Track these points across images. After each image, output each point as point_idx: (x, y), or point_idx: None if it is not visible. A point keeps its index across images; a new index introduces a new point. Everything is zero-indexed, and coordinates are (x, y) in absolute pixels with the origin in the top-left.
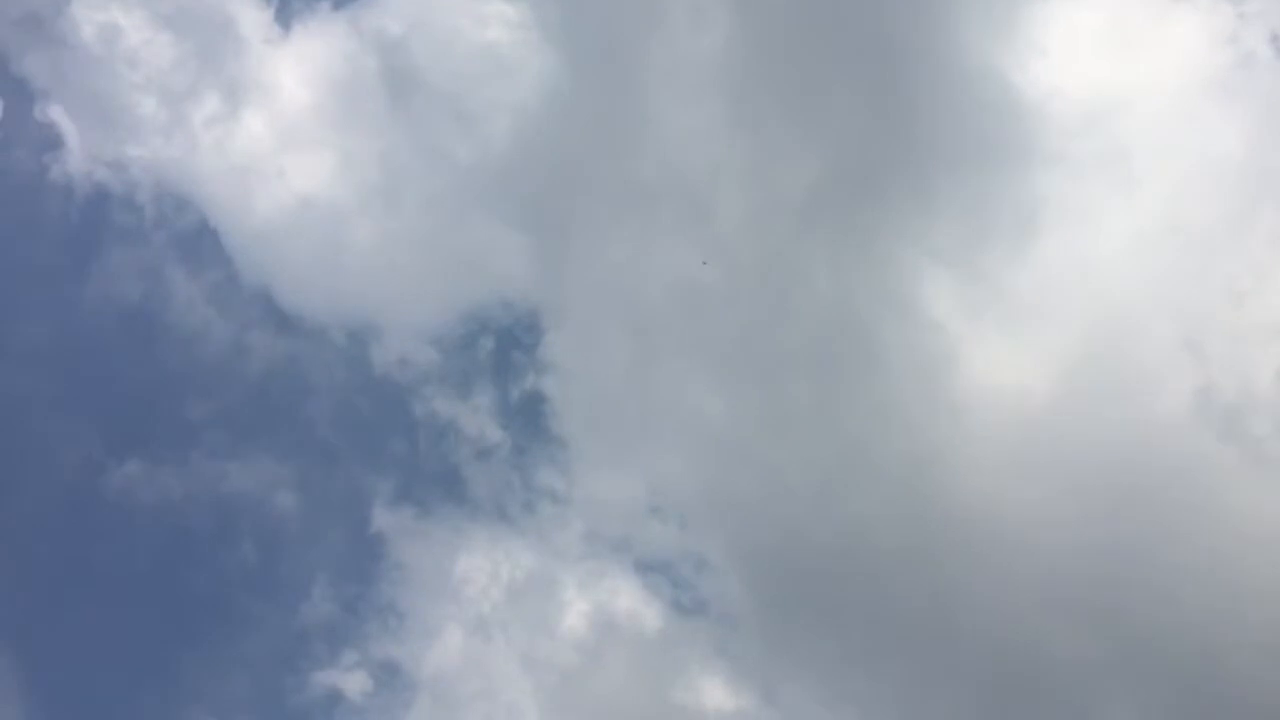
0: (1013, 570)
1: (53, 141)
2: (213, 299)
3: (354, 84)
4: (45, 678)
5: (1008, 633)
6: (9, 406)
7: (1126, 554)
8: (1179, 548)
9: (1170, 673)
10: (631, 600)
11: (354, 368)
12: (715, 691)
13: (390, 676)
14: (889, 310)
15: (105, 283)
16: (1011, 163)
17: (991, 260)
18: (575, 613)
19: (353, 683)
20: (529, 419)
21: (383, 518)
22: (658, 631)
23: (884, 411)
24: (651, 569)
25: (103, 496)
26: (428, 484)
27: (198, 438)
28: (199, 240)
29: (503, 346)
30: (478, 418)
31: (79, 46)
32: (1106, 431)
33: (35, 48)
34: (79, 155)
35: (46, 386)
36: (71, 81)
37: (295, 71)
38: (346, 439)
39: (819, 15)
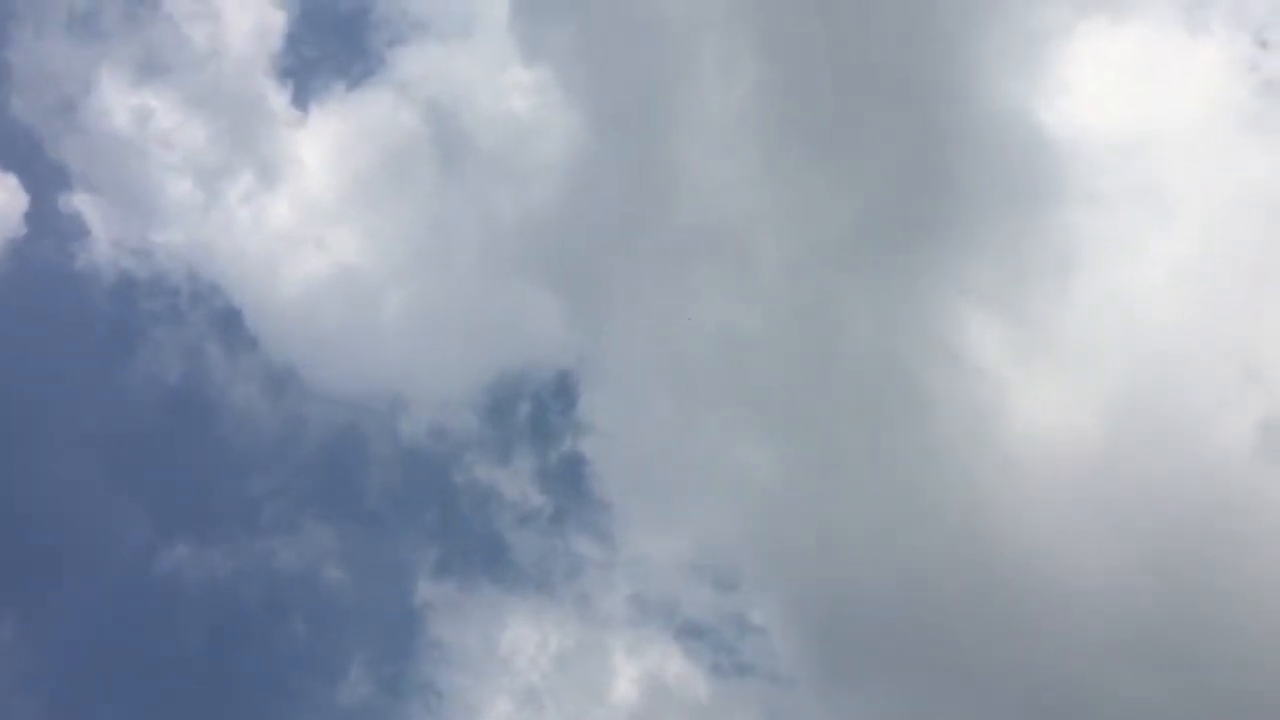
0: (1075, 615)
1: (79, 230)
2: (240, 379)
3: (376, 158)
4: None
5: (1073, 679)
6: (52, 499)
7: (1191, 594)
8: (1244, 585)
9: (1241, 714)
10: (682, 664)
11: (390, 439)
12: None
13: None
14: (933, 355)
15: (133, 369)
16: (1046, 201)
17: (1033, 301)
18: (625, 679)
19: None
20: (570, 482)
21: (427, 590)
22: (711, 695)
23: (934, 458)
24: (701, 630)
25: (154, 579)
26: (470, 554)
27: (241, 517)
28: (224, 322)
29: (540, 409)
30: (519, 483)
31: (106, 130)
32: (1163, 470)
33: (61, 133)
34: (104, 243)
35: (88, 474)
36: (98, 166)
37: (315, 149)
38: (388, 512)
39: (847, 61)
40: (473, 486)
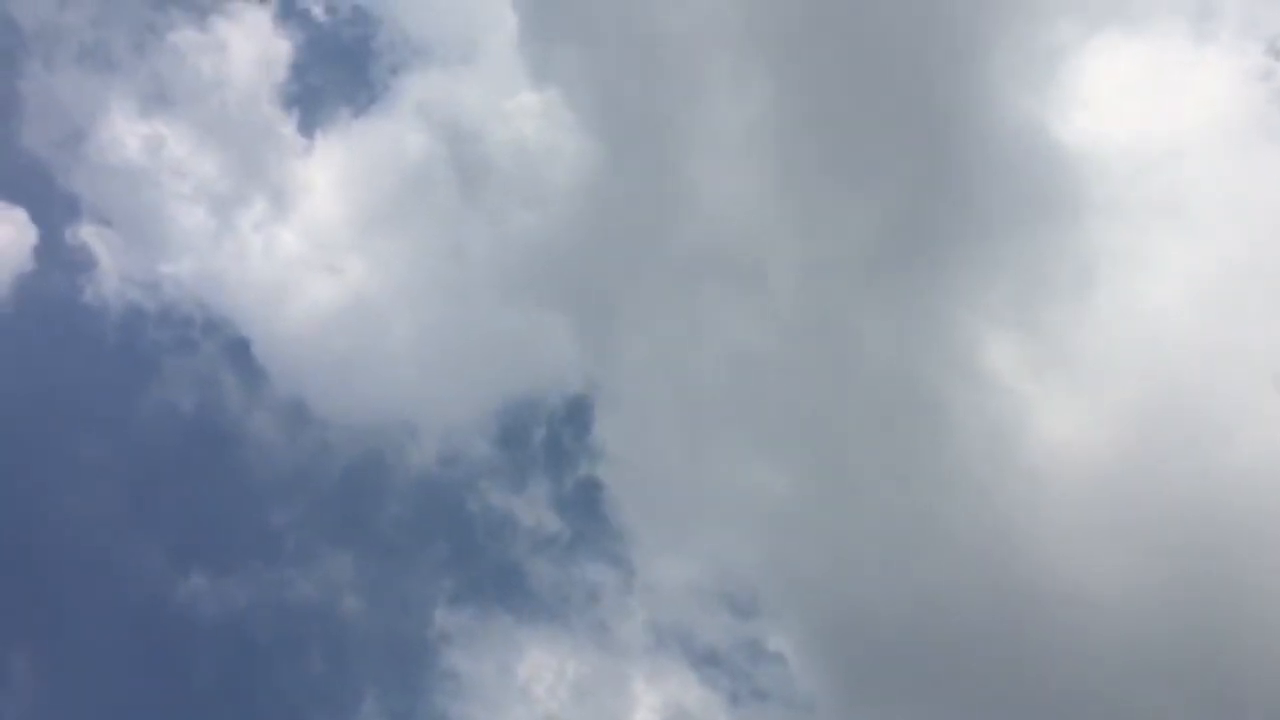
0: (1097, 633)
1: (87, 262)
2: (249, 410)
3: (383, 185)
4: None
5: (1096, 697)
6: (62, 532)
7: (1217, 613)
8: (1269, 601)
9: None
10: (701, 691)
11: (403, 467)
12: None
13: None
14: (951, 373)
15: (142, 402)
16: (1063, 216)
17: (1052, 317)
18: (645, 707)
19: None
20: (586, 508)
21: (444, 620)
22: (735, 719)
23: (954, 478)
24: (720, 656)
25: (168, 611)
26: (487, 582)
27: (254, 548)
28: (233, 352)
29: (554, 435)
30: (534, 510)
31: (116, 160)
32: (1186, 485)
33: (71, 164)
34: (113, 275)
35: (97, 508)
36: (108, 196)
37: (322, 177)
38: (403, 541)
39: (859, 78)
40: (488, 514)
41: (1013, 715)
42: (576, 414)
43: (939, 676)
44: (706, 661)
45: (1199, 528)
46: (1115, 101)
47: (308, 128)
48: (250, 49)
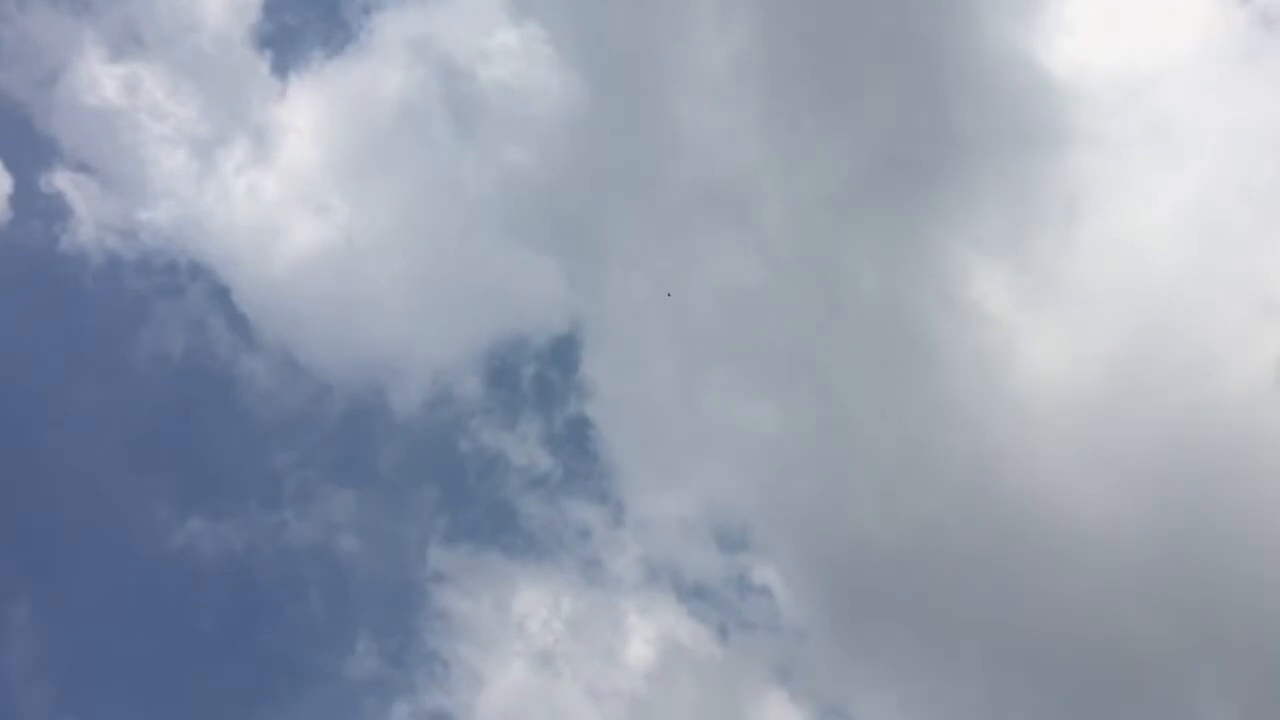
0: (1088, 562)
1: (62, 211)
2: (231, 356)
3: (360, 126)
4: None
5: (1088, 627)
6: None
7: (1201, 539)
8: (1258, 527)
9: (1257, 654)
10: (693, 623)
11: (395, 409)
12: (789, 707)
13: (464, 711)
14: (940, 305)
15: (126, 350)
16: (1049, 146)
17: (1039, 247)
18: (639, 639)
19: None
20: (577, 445)
21: (439, 559)
22: (724, 653)
23: (943, 409)
24: (710, 591)
25: (170, 554)
26: (480, 521)
27: (245, 491)
28: (213, 302)
29: (543, 373)
30: (526, 448)
31: (93, 102)
32: (1174, 412)
33: (44, 108)
34: (90, 223)
35: (85, 456)
36: (82, 141)
37: (300, 120)
38: (397, 482)
39: (844, 11)
40: (479, 453)
41: (999, 637)
42: (565, 352)
43: (929, 605)
44: (698, 595)
45: (1185, 455)
46: (1099, 29)
47: (283, 68)
48: None
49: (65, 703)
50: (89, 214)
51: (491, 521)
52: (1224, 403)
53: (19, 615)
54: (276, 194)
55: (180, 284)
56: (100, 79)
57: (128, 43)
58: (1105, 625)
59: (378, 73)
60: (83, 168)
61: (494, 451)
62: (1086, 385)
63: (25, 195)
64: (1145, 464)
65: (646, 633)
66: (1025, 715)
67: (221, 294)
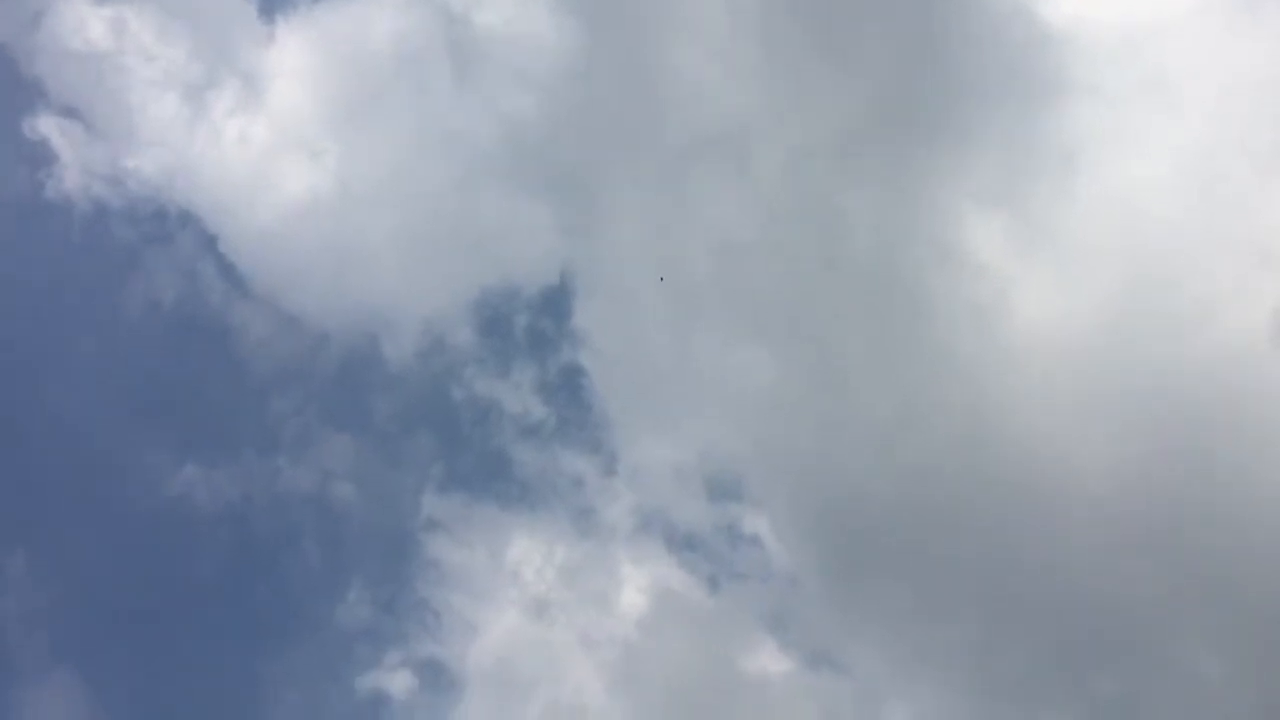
0: (1082, 513)
1: (47, 158)
2: (222, 309)
3: (350, 72)
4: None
5: (1080, 576)
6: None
7: (1194, 488)
8: (1250, 478)
9: (1247, 603)
10: (687, 572)
11: (388, 358)
12: (781, 654)
13: (456, 660)
14: (935, 255)
15: (112, 299)
16: (1047, 96)
17: (1035, 197)
18: (632, 588)
19: (398, 681)
20: (570, 394)
21: (433, 507)
22: (716, 600)
23: (936, 358)
24: (704, 539)
25: (165, 502)
26: (474, 469)
27: (247, 439)
28: (201, 251)
29: (536, 322)
30: (519, 396)
31: (77, 45)
32: (1169, 363)
33: (28, 50)
34: (75, 170)
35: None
36: (68, 84)
37: (288, 67)
38: (391, 431)
39: None
40: (474, 402)
41: (992, 585)
42: (559, 301)
43: (921, 554)
44: (692, 544)
45: (1179, 406)
46: None
47: (270, 10)
48: None
49: (61, 650)
50: (74, 160)
51: (485, 470)
52: (1220, 354)
53: (15, 564)
54: (267, 140)
55: (169, 232)
56: (86, 21)
57: None
58: (1098, 574)
59: (370, 16)
60: (69, 112)
61: (488, 400)
62: (1082, 337)
63: (8, 141)
64: (1140, 415)
65: (639, 581)
66: (1015, 664)
67: (209, 242)
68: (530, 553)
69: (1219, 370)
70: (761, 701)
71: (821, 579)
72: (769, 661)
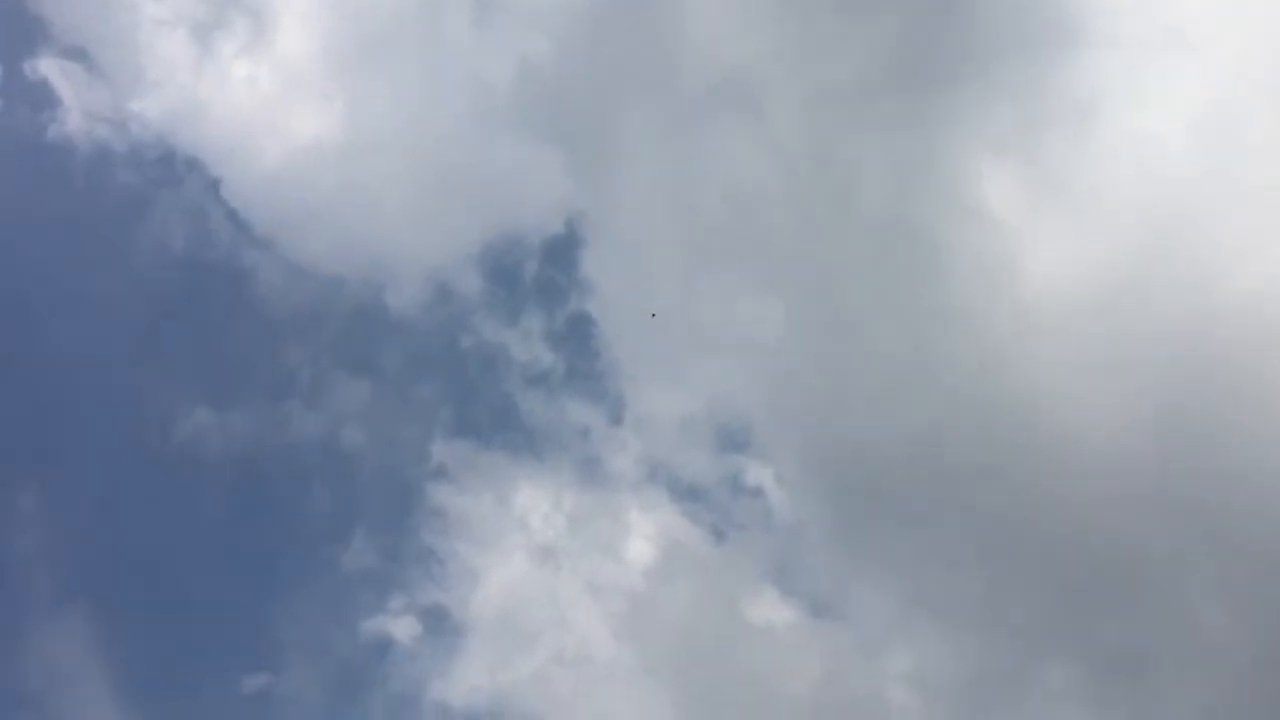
0: (1090, 465)
1: (48, 99)
2: (232, 253)
3: (364, 17)
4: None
5: (1087, 529)
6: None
7: (1205, 442)
8: (1260, 431)
9: (1254, 556)
10: (694, 521)
11: (394, 305)
12: (788, 603)
13: (461, 606)
14: (948, 206)
15: (117, 242)
16: (1064, 47)
17: (1051, 148)
18: (638, 537)
19: (403, 627)
20: (579, 342)
21: (442, 454)
22: (722, 550)
23: (947, 311)
24: (710, 489)
25: (179, 445)
26: (482, 417)
27: (256, 384)
28: (208, 194)
29: (545, 269)
30: (528, 344)
31: None
32: (1182, 319)
33: None
34: (76, 112)
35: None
36: (74, 23)
37: (295, 10)
38: (401, 377)
39: None
40: (481, 350)
41: (997, 542)
42: (568, 248)
43: (929, 506)
44: (698, 493)
45: (1191, 358)
46: None
47: None
48: None
49: (70, 589)
50: (77, 103)
51: (492, 418)
52: (1235, 307)
53: (26, 504)
54: (275, 83)
55: (176, 175)
56: None
57: None
58: (1104, 527)
59: None
60: (71, 53)
61: (495, 348)
62: (1096, 289)
63: (11, 81)
64: (1150, 369)
65: (645, 530)
66: (1020, 614)
67: (213, 187)
68: (537, 501)
69: (1233, 324)
70: (766, 650)
71: (826, 529)
72: (773, 611)
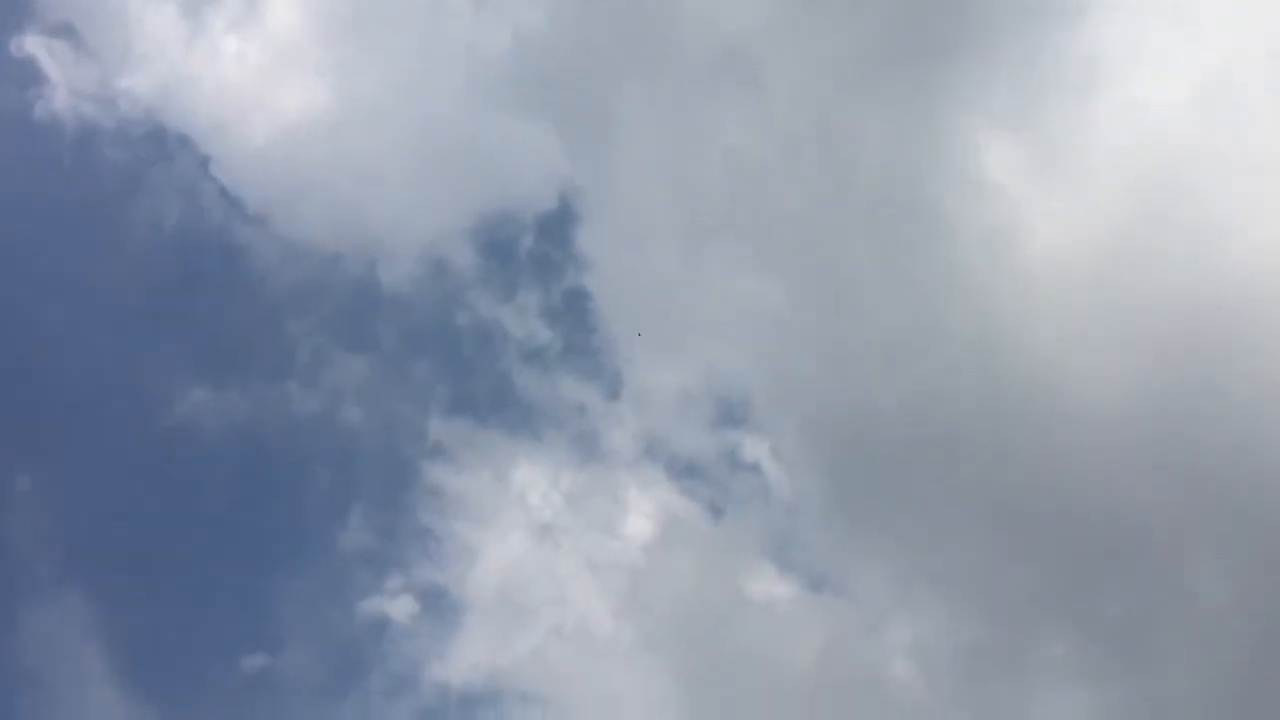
0: (1092, 436)
1: (34, 77)
2: (224, 230)
3: None
4: (109, 600)
5: (1089, 499)
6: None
7: (1206, 414)
8: (1265, 401)
9: (1257, 528)
10: (692, 498)
11: (387, 281)
12: (787, 578)
13: (458, 585)
14: (949, 175)
15: (105, 219)
16: (1065, 15)
17: (1052, 117)
18: (636, 513)
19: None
20: (576, 317)
21: (439, 431)
22: (722, 526)
23: (948, 281)
24: (709, 465)
25: (174, 425)
26: (479, 394)
27: (251, 362)
28: (198, 171)
29: (540, 244)
30: (524, 320)
31: None
32: (1184, 288)
33: None
34: (64, 90)
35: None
36: (63, 3)
37: None
38: (397, 355)
39: None
40: (477, 326)
41: (999, 515)
42: (564, 222)
43: (931, 478)
44: (697, 470)
45: (1194, 328)
46: None
47: None
48: None
49: (66, 572)
50: (64, 80)
51: (489, 395)
52: (1238, 275)
53: (21, 485)
54: (265, 58)
55: (168, 153)
56: None
57: None
58: (1106, 498)
59: None
60: (58, 30)
61: (491, 324)
62: (1097, 258)
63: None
64: (1155, 337)
65: (643, 507)
66: (1021, 586)
67: (203, 164)
68: (535, 478)
69: (1236, 292)
70: (765, 625)
71: (826, 502)
72: (772, 585)
